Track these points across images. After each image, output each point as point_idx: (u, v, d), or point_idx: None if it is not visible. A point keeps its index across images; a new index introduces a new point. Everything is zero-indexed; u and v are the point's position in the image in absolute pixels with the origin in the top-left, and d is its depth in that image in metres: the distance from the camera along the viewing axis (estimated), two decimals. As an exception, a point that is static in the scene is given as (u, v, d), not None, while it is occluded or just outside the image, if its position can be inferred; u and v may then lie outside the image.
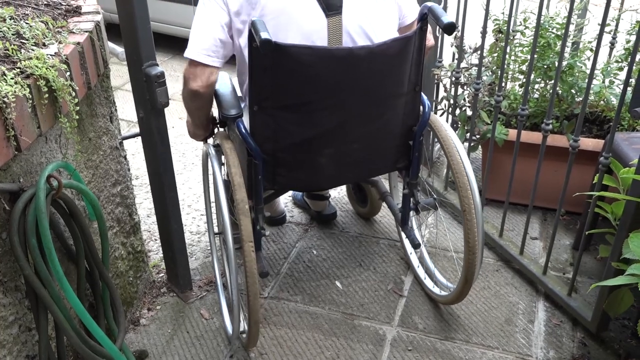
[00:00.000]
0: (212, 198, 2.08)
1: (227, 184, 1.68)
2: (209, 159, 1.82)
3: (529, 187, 2.13)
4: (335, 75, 1.51)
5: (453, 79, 2.37)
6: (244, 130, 1.60)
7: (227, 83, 1.78)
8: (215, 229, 2.09)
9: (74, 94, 1.42)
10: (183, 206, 2.65)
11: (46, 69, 1.34)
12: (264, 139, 1.59)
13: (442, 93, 2.58)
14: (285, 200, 2.72)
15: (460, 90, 2.40)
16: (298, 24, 1.55)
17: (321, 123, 1.59)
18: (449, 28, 1.46)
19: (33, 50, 1.40)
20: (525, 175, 2.34)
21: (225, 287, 2.09)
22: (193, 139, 1.97)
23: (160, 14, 4.53)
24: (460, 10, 2.34)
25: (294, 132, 1.59)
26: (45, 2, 1.74)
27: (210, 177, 1.85)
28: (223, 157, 1.72)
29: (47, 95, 1.33)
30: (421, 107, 1.74)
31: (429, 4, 1.57)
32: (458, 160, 1.71)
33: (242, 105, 1.75)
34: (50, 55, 1.42)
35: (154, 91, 1.71)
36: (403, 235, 2.27)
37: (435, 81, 2.49)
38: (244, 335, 1.83)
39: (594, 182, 1.88)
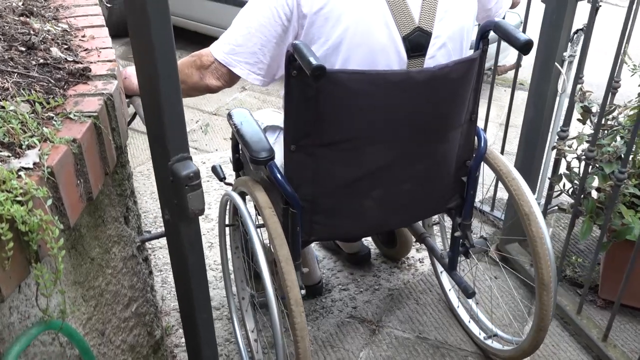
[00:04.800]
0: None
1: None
2: (227, 209, 1.65)
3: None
4: (389, 104, 1.33)
5: (583, 156, 1.78)
6: (279, 175, 1.38)
7: (250, 120, 1.52)
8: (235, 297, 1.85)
9: (57, 231, 0.92)
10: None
11: (11, 202, 0.85)
12: (301, 183, 1.39)
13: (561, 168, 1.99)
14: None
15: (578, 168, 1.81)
16: (374, 60, 1.32)
17: (370, 161, 1.40)
18: (526, 47, 1.26)
19: (-3, 164, 0.90)
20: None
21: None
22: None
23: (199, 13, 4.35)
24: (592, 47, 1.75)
25: (337, 173, 1.41)
26: (43, 61, 1.25)
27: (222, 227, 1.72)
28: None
29: (11, 244, 0.84)
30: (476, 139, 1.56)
31: (495, 19, 1.39)
32: (535, 220, 1.48)
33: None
34: (24, 168, 0.92)
35: (184, 196, 1.19)
36: (445, 283, 2.09)
37: (556, 155, 1.91)
38: None
39: None
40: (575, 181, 1.89)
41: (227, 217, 1.77)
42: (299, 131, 1.33)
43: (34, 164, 0.94)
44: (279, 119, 1.61)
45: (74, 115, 1.08)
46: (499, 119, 3.82)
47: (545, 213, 2.11)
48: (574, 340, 1.97)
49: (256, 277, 1.53)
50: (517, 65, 2.23)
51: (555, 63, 1.85)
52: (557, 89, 1.92)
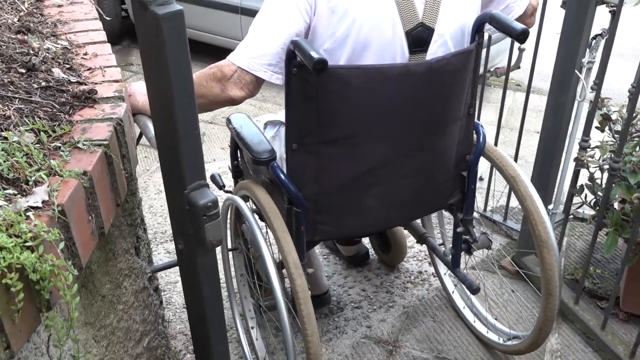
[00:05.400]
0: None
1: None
2: (229, 213, 1.63)
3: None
4: (389, 98, 1.34)
5: (606, 166, 1.71)
6: (282, 175, 1.37)
7: (249, 123, 1.52)
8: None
9: (71, 276, 0.83)
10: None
11: (20, 249, 0.76)
12: (304, 182, 1.38)
13: (580, 179, 1.92)
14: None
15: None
16: (379, 54, 1.31)
17: (372, 157, 1.40)
18: (522, 35, 1.25)
19: (1, 204, 0.82)
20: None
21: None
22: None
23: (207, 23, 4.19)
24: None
25: (340, 170, 1.40)
26: (45, 84, 1.16)
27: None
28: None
29: (21, 295, 0.76)
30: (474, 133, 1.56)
31: (490, 11, 1.37)
32: (543, 222, 1.48)
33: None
34: (32, 207, 0.84)
35: (201, 227, 1.11)
36: (448, 284, 2.08)
37: (576, 167, 1.85)
38: None
39: None
40: (599, 192, 1.82)
41: (229, 220, 1.75)
42: (301, 130, 1.32)
43: (43, 202, 0.85)
44: (279, 115, 1.62)
45: (83, 144, 0.99)
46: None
47: (564, 225, 2.04)
48: (598, 357, 1.90)
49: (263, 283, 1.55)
50: (512, 67, 2.18)
51: (575, 70, 1.79)
52: (576, 96, 1.85)
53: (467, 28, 1.41)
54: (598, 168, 1.82)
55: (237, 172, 1.73)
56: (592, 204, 1.91)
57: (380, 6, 1.28)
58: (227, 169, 1.91)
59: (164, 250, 2.45)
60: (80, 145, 0.99)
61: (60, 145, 0.99)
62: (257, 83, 1.35)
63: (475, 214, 1.64)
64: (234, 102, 1.37)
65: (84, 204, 0.93)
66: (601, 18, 1.89)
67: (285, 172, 1.39)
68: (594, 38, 1.81)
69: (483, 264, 2.30)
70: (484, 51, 3.36)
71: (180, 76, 1.00)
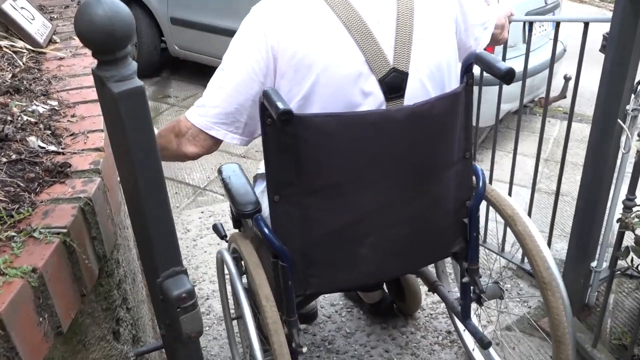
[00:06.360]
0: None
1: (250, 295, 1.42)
2: (224, 266, 1.56)
3: None
4: (370, 146, 1.28)
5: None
6: (265, 229, 1.32)
7: (238, 174, 1.50)
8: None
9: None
10: None
11: None
12: (289, 235, 1.33)
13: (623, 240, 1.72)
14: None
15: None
16: (351, 104, 1.28)
17: (359, 206, 1.35)
18: (508, 76, 1.21)
19: None
20: None
21: None
22: None
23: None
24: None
25: (325, 221, 1.35)
26: (16, 156, 1.07)
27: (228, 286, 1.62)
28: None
29: None
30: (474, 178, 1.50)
31: (475, 52, 1.34)
32: (545, 262, 1.40)
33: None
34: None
35: (175, 319, 1.00)
36: (461, 328, 1.99)
37: (620, 228, 1.65)
38: None
39: None
40: None
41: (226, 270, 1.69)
42: (281, 181, 1.28)
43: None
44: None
45: (39, 233, 0.89)
46: (543, 153, 3.55)
47: (607, 297, 1.84)
48: None
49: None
50: (558, 97, 1.98)
51: (618, 119, 1.60)
52: (619, 146, 1.67)
53: (445, 68, 1.37)
54: (646, 229, 1.62)
55: (237, 223, 1.68)
56: (639, 268, 1.71)
57: (344, 58, 1.24)
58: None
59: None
60: (36, 234, 0.89)
61: (15, 234, 0.89)
62: (213, 140, 1.33)
63: (512, 266, 1.53)
64: (188, 157, 1.37)
65: (31, 305, 0.83)
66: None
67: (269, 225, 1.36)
68: (639, 83, 1.62)
69: (519, 324, 2.10)
70: (530, 80, 3.24)
71: (145, 157, 0.89)
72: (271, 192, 1.29)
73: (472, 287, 1.60)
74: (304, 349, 1.48)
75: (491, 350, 1.88)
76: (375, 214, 1.37)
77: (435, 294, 1.82)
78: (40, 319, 0.85)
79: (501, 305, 2.10)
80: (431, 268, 1.94)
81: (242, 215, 1.40)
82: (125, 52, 0.82)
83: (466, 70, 1.34)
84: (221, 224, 1.66)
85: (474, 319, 1.87)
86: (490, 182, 2.34)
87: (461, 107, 1.35)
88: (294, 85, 1.25)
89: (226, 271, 1.55)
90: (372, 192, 1.35)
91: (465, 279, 1.59)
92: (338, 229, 1.36)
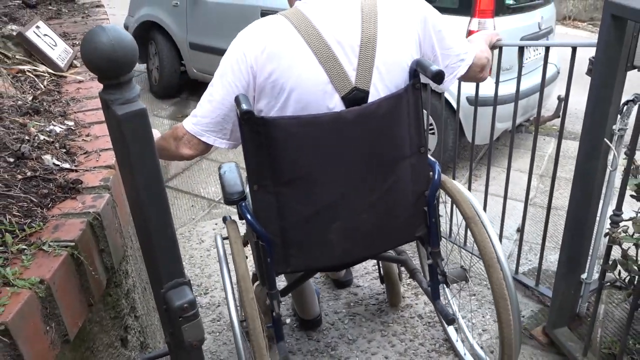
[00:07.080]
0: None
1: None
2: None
3: None
4: (328, 143, 1.46)
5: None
6: (247, 214, 1.53)
7: (233, 169, 1.71)
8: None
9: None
10: None
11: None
12: (268, 220, 1.53)
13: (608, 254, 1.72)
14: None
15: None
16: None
17: (324, 196, 1.53)
18: (437, 76, 1.37)
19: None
20: None
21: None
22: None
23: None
24: None
25: (298, 208, 1.53)
26: (31, 173, 1.14)
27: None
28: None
29: None
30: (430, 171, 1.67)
31: (416, 58, 1.50)
32: (499, 273, 1.54)
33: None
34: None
35: (178, 327, 1.04)
36: (453, 338, 2.10)
37: (609, 242, 1.65)
38: None
39: None
40: (635, 267, 1.62)
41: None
42: (257, 172, 1.46)
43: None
44: None
45: (49, 246, 0.95)
46: (538, 169, 3.58)
47: (597, 307, 1.83)
48: None
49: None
50: (552, 116, 2.00)
51: (605, 139, 1.62)
52: (606, 164, 1.68)
53: (403, 87, 1.51)
54: (634, 244, 1.61)
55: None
56: (626, 281, 1.71)
57: (311, 78, 1.40)
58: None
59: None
60: (45, 247, 0.95)
61: (26, 247, 0.95)
62: (205, 145, 1.50)
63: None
64: (185, 158, 1.55)
65: (38, 315, 0.88)
66: (634, 82, 1.72)
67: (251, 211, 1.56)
68: (625, 104, 1.64)
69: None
70: (525, 100, 3.25)
71: (147, 175, 0.94)
72: (251, 182, 1.48)
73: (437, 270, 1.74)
74: (287, 320, 1.66)
75: (486, 358, 1.95)
76: (339, 202, 1.55)
77: (415, 281, 1.97)
78: (47, 328, 0.90)
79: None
80: (415, 260, 2.21)
81: (229, 201, 1.60)
82: (129, 77, 0.88)
83: (413, 75, 1.49)
84: (229, 217, 1.80)
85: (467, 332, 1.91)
86: (486, 196, 2.47)
87: (407, 107, 1.50)
88: (271, 99, 1.42)
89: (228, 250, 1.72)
90: (335, 183, 1.52)
91: (429, 261, 1.76)
92: (308, 215, 1.54)
